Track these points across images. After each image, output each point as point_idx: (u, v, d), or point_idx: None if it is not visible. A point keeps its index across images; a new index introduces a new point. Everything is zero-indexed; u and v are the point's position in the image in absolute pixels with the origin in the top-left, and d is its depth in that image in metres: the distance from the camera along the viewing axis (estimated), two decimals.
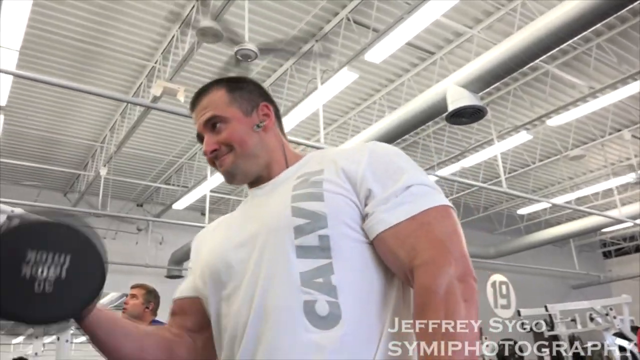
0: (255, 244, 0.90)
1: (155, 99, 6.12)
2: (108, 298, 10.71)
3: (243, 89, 1.08)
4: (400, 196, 0.86)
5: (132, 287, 3.23)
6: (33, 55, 6.10)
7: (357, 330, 0.81)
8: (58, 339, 3.13)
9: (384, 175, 0.89)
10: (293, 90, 6.96)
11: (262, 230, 0.91)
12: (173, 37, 6.01)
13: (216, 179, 8.53)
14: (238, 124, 1.03)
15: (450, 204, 0.88)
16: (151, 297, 3.19)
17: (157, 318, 3.19)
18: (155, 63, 6.46)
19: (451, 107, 5.16)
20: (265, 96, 1.08)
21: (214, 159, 1.02)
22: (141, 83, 6.84)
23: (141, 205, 10.71)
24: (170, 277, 10.03)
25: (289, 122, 6.93)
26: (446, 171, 9.18)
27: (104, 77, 6.74)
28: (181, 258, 10.00)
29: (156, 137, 8.25)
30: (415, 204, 0.85)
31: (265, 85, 6.96)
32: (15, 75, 5.40)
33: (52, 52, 6.19)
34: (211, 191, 8.76)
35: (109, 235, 9.58)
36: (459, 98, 5.15)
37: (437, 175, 8.07)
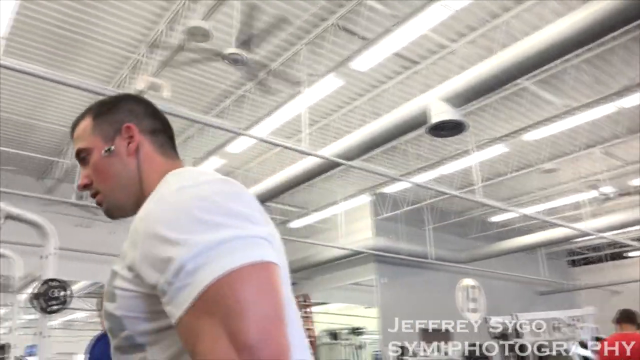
0: None
1: (139, 93, 6.09)
2: (79, 285, 10.65)
3: (110, 111, 0.97)
4: (175, 282, 0.68)
5: None
6: (17, 42, 6.01)
7: None
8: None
9: (150, 258, 0.71)
10: (278, 91, 7.00)
11: None
12: (160, 31, 5.99)
13: None
14: (96, 156, 0.95)
15: (257, 259, 0.69)
16: None
17: None
18: (141, 56, 6.42)
19: (433, 120, 5.28)
20: (134, 115, 0.96)
21: (92, 196, 0.95)
22: (123, 75, 6.79)
23: None
24: None
25: (272, 122, 6.97)
26: (424, 177, 9.34)
27: (85, 66, 6.67)
28: None
29: None
30: (192, 286, 0.66)
31: (250, 84, 6.99)
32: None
33: (36, 39, 6.10)
34: None
35: (84, 223, 9.50)
36: (441, 112, 5.28)
37: (413, 182, 8.22)
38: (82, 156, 0.95)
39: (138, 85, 5.96)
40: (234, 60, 4.85)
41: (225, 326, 0.64)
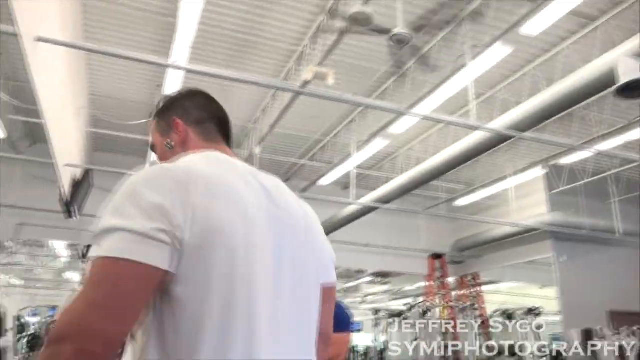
0: None
1: (306, 83, 6.41)
2: None
3: (166, 109, 1.14)
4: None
5: None
6: (200, 49, 6.71)
7: None
8: None
9: None
10: (439, 67, 6.83)
11: None
12: (321, 21, 6.22)
13: (361, 155, 8.74)
14: (159, 149, 1.12)
15: (106, 254, 0.78)
16: None
17: None
18: (304, 48, 6.74)
19: (622, 80, 4.72)
20: (184, 109, 1.12)
21: None
22: (290, 67, 7.20)
23: (288, 180, 11.35)
24: None
25: (435, 100, 6.84)
26: (608, 145, 8.40)
27: (257, 64, 7.22)
28: (326, 231, 10.43)
29: (304, 118, 8.65)
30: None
31: (410, 63, 6.94)
32: (187, 71, 6.00)
33: (214, 44, 6.76)
34: (356, 167, 9.05)
35: None
36: (631, 70, 4.69)
37: (596, 150, 7.45)
38: (153, 150, 1.14)
39: (305, 76, 6.26)
40: (398, 41, 4.84)
41: (80, 293, 0.77)
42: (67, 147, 6.72)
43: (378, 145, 8.39)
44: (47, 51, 4.81)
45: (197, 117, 1.12)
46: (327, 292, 1.08)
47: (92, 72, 7.53)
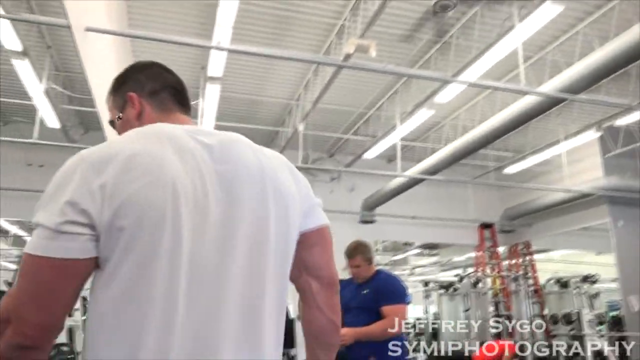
0: None
1: (347, 56, 6.35)
2: None
3: (119, 85, 1.16)
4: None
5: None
6: (241, 29, 6.74)
7: None
8: None
9: None
10: (485, 32, 6.61)
11: None
12: None
13: (405, 127, 8.64)
14: (118, 125, 1.15)
15: (38, 252, 0.83)
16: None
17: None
18: (344, 21, 6.66)
19: None
20: (137, 83, 1.14)
21: None
22: (331, 42, 7.13)
23: (332, 156, 11.37)
24: (364, 222, 10.63)
25: (481, 66, 6.64)
26: None
27: (298, 40, 7.18)
28: (373, 204, 10.49)
29: (347, 92, 8.59)
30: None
31: (454, 29, 6.75)
32: (229, 51, 6.05)
33: (254, 23, 6.77)
34: (401, 139, 8.96)
35: None
36: None
37: None
38: (113, 127, 1.17)
39: (346, 49, 6.20)
40: (442, 7, 4.71)
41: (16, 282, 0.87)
42: None
43: (423, 115, 8.26)
44: (95, 41, 4.95)
45: (150, 88, 1.14)
46: (315, 235, 1.10)
47: (137, 57, 7.69)
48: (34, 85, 6.87)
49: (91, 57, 4.96)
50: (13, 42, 6.01)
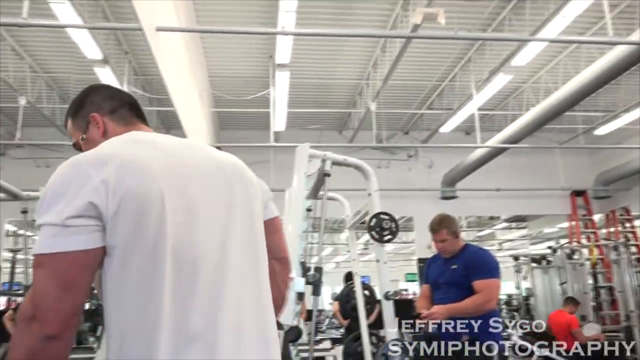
0: None
1: (416, 27, 6.13)
2: None
3: (79, 108, 1.25)
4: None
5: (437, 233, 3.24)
6: (304, 13, 6.70)
7: None
8: None
9: None
10: None
11: None
12: None
13: (482, 96, 8.26)
14: (83, 145, 1.22)
15: (46, 250, 0.91)
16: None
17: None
18: None
19: None
20: (95, 104, 1.23)
21: None
22: (397, 15, 6.92)
23: (407, 133, 11.13)
24: (445, 198, 10.34)
25: (560, 21, 6.18)
26: None
27: (361, 17, 7.03)
28: (453, 179, 10.17)
29: (417, 65, 8.33)
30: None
31: None
32: (295, 35, 6.04)
33: (317, 5, 6.69)
34: (478, 109, 8.58)
35: (383, 164, 10.27)
36: None
37: None
38: (78, 149, 1.23)
39: (414, 19, 5.98)
40: None
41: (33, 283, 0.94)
42: (197, 129, 7.17)
43: (500, 81, 7.85)
44: (166, 41, 5.11)
45: (109, 107, 1.24)
46: (276, 223, 1.31)
47: (207, 54, 7.89)
48: None
49: (165, 57, 5.13)
50: (94, 51, 6.36)
